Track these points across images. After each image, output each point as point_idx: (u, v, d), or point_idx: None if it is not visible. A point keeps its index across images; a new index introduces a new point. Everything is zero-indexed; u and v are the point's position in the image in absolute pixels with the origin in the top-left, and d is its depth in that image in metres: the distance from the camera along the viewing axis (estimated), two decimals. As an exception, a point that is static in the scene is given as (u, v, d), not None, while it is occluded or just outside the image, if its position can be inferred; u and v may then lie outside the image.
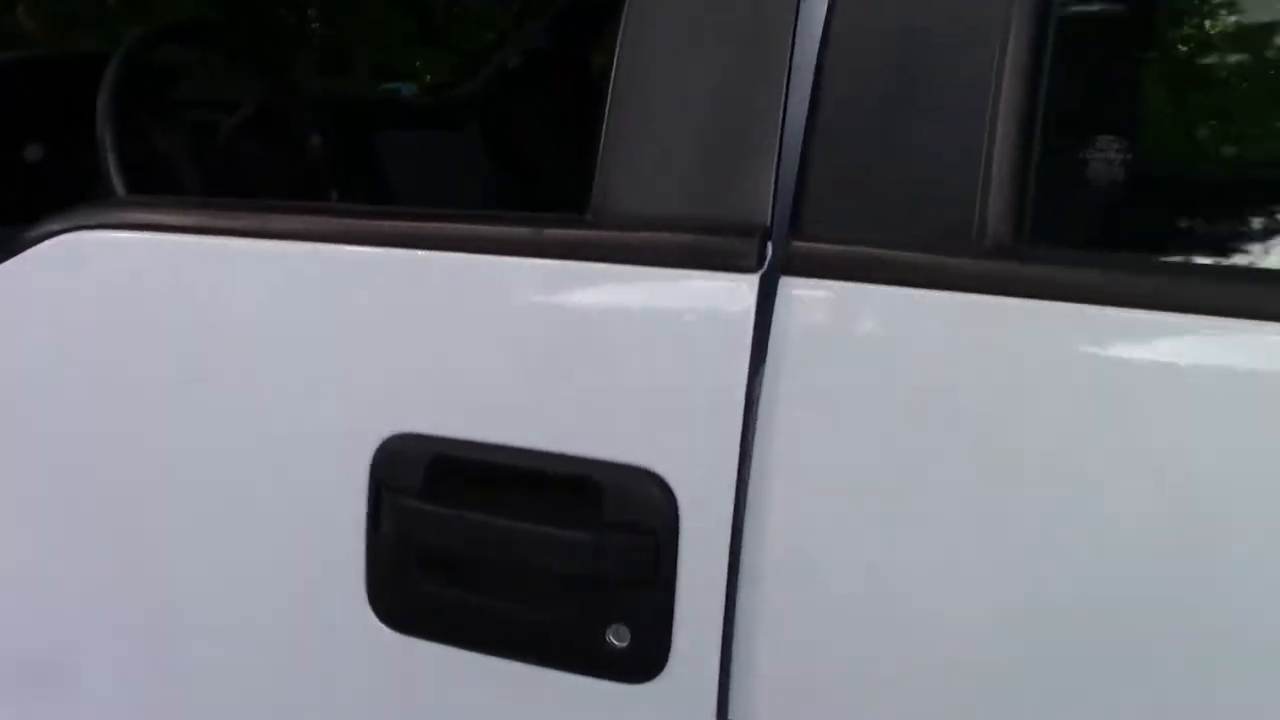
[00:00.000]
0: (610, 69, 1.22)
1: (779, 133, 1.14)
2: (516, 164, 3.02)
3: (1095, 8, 1.53)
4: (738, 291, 1.12)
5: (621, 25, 1.21)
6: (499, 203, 2.91)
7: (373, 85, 5.86)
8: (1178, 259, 1.15)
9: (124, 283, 1.44)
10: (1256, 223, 1.80)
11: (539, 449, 1.18)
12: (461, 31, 6.44)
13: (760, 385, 1.11)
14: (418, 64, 6.40)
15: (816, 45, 1.15)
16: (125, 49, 1.96)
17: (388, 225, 1.31)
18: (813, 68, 1.15)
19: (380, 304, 1.28)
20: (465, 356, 1.23)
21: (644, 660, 1.17)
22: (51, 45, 6.10)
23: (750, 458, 1.11)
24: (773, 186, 1.13)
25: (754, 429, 1.11)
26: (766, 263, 1.12)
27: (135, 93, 1.93)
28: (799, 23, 1.15)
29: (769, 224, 1.13)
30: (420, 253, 1.26)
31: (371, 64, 6.28)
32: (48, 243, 1.46)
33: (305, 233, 1.33)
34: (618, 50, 1.21)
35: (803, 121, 1.14)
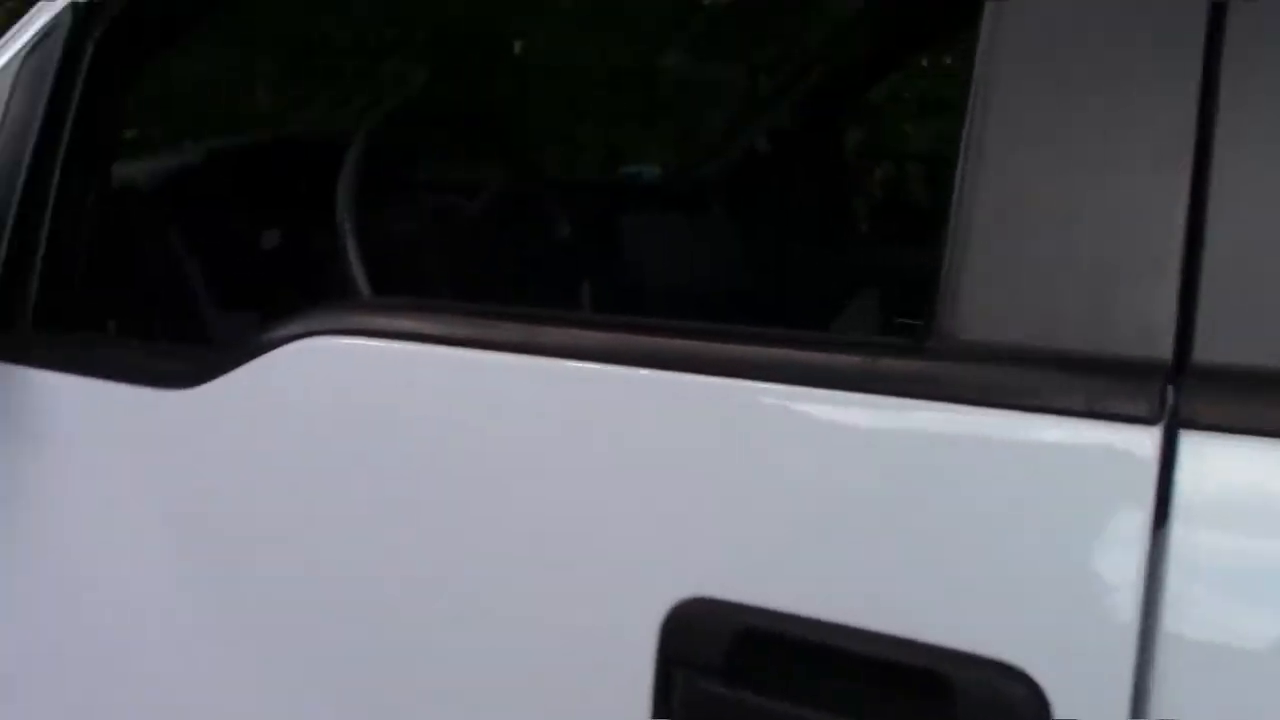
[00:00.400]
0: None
1: (1184, 247, 0.91)
2: (767, 252, 2.82)
3: None
4: (1132, 447, 0.88)
5: (973, 110, 0.99)
6: (749, 294, 2.71)
7: (600, 165, 5.76)
8: None
9: (369, 398, 1.30)
10: None
11: (871, 630, 0.96)
12: (690, 108, 6.30)
13: (1162, 567, 0.87)
14: (644, 143, 6.28)
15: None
16: (365, 132, 1.81)
17: (682, 345, 1.11)
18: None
19: (672, 438, 1.08)
20: (779, 507, 1.02)
21: None
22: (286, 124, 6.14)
23: (1150, 658, 0.87)
24: (1175, 315, 0.90)
25: (1155, 622, 0.87)
26: (1168, 411, 0.88)
27: (376, 178, 1.79)
28: (1210, 101, 0.92)
29: (1171, 363, 0.90)
30: (722, 380, 1.05)
31: (597, 143, 6.19)
32: (287, 348, 1.34)
33: (579, 349, 1.15)
34: (966, 139, 0.98)
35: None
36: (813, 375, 1.01)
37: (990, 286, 0.96)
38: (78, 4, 1.67)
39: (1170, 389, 0.88)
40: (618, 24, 6.08)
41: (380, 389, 1.30)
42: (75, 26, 1.67)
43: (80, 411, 1.58)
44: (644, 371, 1.10)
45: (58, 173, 1.66)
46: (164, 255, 1.94)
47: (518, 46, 6.87)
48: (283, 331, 1.35)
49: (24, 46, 1.72)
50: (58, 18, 1.69)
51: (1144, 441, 0.88)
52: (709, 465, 1.06)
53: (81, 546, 1.58)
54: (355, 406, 1.31)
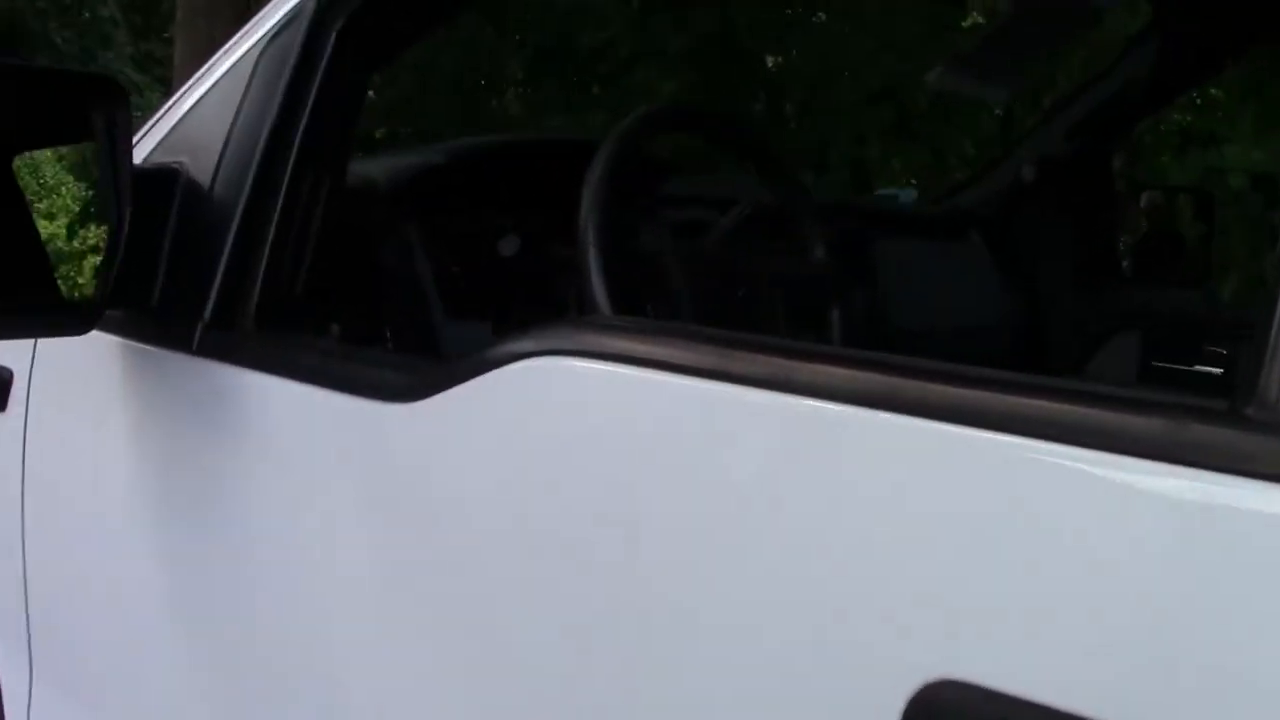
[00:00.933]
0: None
1: None
2: (1030, 287, 2.64)
3: None
4: None
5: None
6: (1008, 331, 2.54)
7: (851, 185, 5.61)
8: None
9: (597, 426, 1.20)
10: None
11: None
12: (942, 129, 6.12)
13: None
14: (898, 163, 6.13)
15: None
16: (617, 136, 1.70)
17: (954, 394, 0.97)
18: None
19: (933, 498, 0.95)
20: (1056, 586, 0.88)
21: None
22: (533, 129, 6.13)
23: None
24: None
25: None
26: None
27: (622, 187, 1.67)
28: None
29: None
30: (998, 436, 0.91)
31: (849, 161, 6.04)
32: (514, 366, 1.25)
33: (836, 390, 1.02)
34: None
35: None
36: (1104, 438, 0.87)
37: None
38: None
39: None
40: (875, 43, 5.93)
41: (610, 417, 1.20)
42: (316, 17, 1.62)
43: (295, 418, 1.53)
44: (909, 420, 0.97)
45: (290, 168, 1.60)
46: (396, 257, 1.86)
47: (771, 61, 6.77)
48: (511, 348, 1.26)
49: (262, 36, 1.67)
50: (299, 7, 1.63)
51: None
52: (976, 532, 0.93)
53: (281, 554, 1.52)
54: (582, 434, 1.21)
